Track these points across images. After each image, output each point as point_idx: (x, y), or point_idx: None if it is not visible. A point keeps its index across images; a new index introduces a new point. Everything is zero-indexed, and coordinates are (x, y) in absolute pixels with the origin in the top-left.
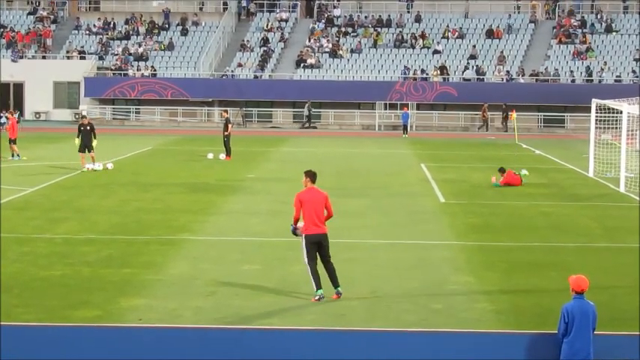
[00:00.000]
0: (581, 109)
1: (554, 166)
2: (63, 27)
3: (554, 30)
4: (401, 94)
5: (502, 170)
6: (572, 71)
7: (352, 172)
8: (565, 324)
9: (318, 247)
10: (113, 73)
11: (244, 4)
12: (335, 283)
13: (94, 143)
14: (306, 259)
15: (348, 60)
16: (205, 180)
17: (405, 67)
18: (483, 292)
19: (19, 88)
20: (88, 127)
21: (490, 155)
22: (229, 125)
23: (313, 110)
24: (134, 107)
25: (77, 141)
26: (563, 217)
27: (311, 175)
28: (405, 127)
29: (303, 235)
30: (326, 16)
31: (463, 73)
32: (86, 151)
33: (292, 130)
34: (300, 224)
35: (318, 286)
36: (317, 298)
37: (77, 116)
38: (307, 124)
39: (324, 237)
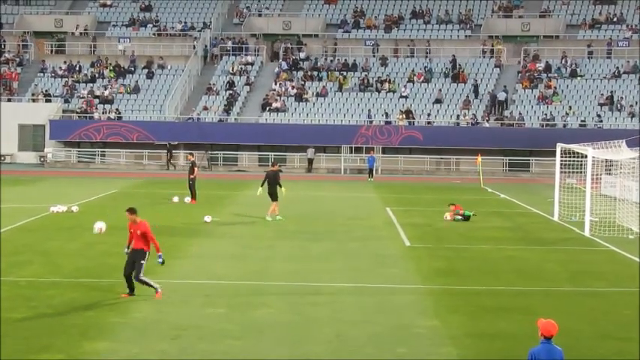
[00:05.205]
0: (546, 154)
1: (519, 210)
2: (28, 70)
3: (519, 74)
4: (366, 137)
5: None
6: (537, 115)
7: (317, 215)
8: None
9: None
10: (79, 116)
11: (210, 47)
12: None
13: None
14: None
15: (314, 104)
16: (170, 223)
17: (370, 110)
18: (448, 336)
19: None
20: None
21: (455, 199)
22: (195, 169)
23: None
24: (99, 150)
25: None
26: (528, 261)
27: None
28: (370, 171)
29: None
30: (291, 59)
31: (428, 117)
32: None
33: (257, 173)
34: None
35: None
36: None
37: (42, 159)
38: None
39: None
